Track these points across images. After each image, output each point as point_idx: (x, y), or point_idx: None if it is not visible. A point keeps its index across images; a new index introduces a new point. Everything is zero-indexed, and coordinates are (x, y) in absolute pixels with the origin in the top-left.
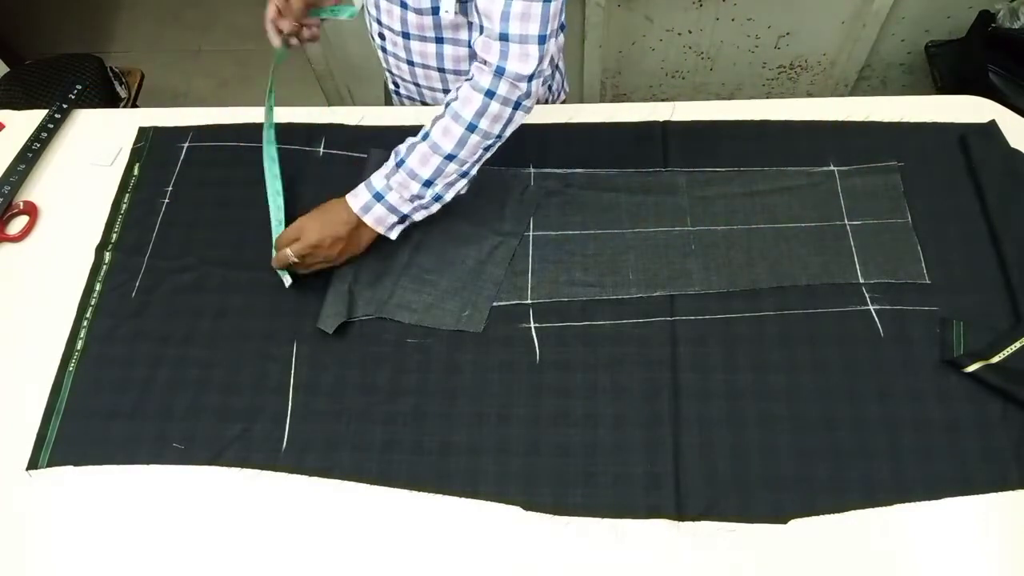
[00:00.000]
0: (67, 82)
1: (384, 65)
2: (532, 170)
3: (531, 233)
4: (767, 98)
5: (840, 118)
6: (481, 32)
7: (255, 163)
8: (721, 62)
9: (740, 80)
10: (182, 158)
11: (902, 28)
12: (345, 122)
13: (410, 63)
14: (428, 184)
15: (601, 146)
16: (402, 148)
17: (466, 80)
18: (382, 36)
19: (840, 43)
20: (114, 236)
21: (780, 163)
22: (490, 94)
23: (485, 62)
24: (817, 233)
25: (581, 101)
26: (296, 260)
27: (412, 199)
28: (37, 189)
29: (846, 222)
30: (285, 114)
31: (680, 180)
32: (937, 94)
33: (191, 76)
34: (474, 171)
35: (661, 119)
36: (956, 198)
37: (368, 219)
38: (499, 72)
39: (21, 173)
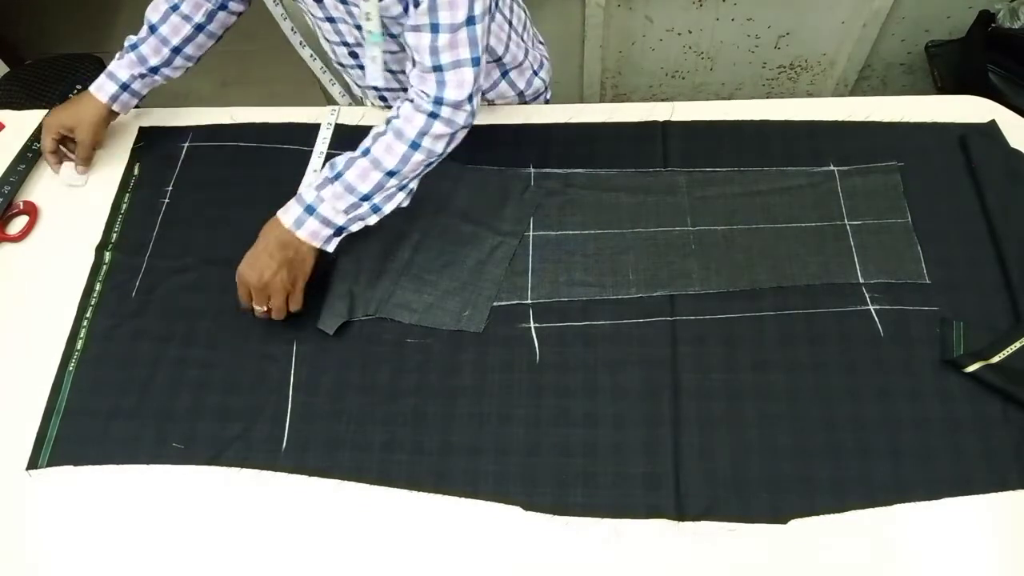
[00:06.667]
0: (67, 82)
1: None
2: (532, 170)
3: (531, 233)
4: (767, 98)
5: (840, 118)
6: (414, 65)
7: (255, 163)
8: (721, 62)
9: (740, 80)
10: (182, 158)
11: (902, 28)
12: (345, 122)
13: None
14: (366, 198)
15: (601, 146)
16: (339, 161)
17: (407, 100)
18: (383, 98)
19: (840, 43)
20: (114, 236)
21: (780, 163)
22: (433, 115)
23: (423, 92)
24: (817, 233)
25: (581, 101)
26: (260, 309)
27: (347, 210)
28: (37, 189)
29: (846, 222)
30: (285, 114)
31: (680, 180)
32: (937, 94)
33: (191, 76)
34: (414, 185)
35: (661, 119)
36: (956, 198)
37: (302, 233)
38: (439, 101)
39: (21, 173)
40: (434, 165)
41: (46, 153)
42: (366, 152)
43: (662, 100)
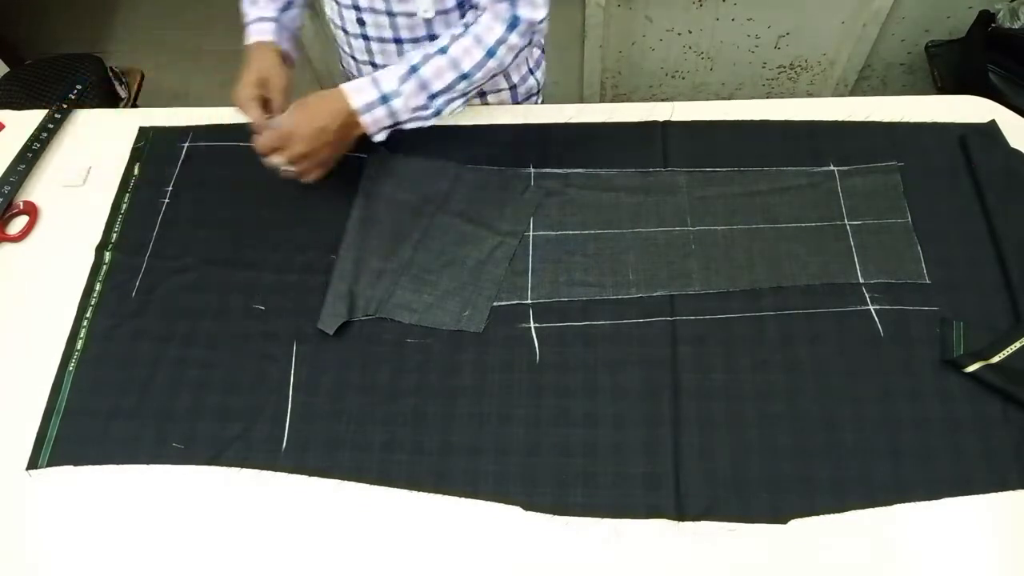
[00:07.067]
0: (67, 82)
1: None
2: (532, 170)
3: (531, 233)
4: (767, 98)
5: (840, 118)
6: None
7: (255, 163)
8: (721, 62)
9: (740, 80)
10: (182, 158)
11: (902, 28)
12: None
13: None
14: (434, 97)
15: (601, 146)
16: (414, 56)
17: (484, 12)
18: (370, 52)
19: (840, 43)
20: (114, 236)
21: (780, 163)
22: (512, 27)
23: (499, 11)
24: (817, 233)
25: (581, 101)
26: (284, 166)
27: (415, 108)
28: (37, 189)
29: (846, 222)
30: None
31: (680, 180)
32: (937, 94)
33: (191, 76)
34: (472, 95)
35: (661, 119)
36: (956, 198)
37: (367, 118)
38: (516, 18)
39: (21, 173)
40: (492, 80)
41: (254, 124)
42: (443, 50)
43: (662, 100)
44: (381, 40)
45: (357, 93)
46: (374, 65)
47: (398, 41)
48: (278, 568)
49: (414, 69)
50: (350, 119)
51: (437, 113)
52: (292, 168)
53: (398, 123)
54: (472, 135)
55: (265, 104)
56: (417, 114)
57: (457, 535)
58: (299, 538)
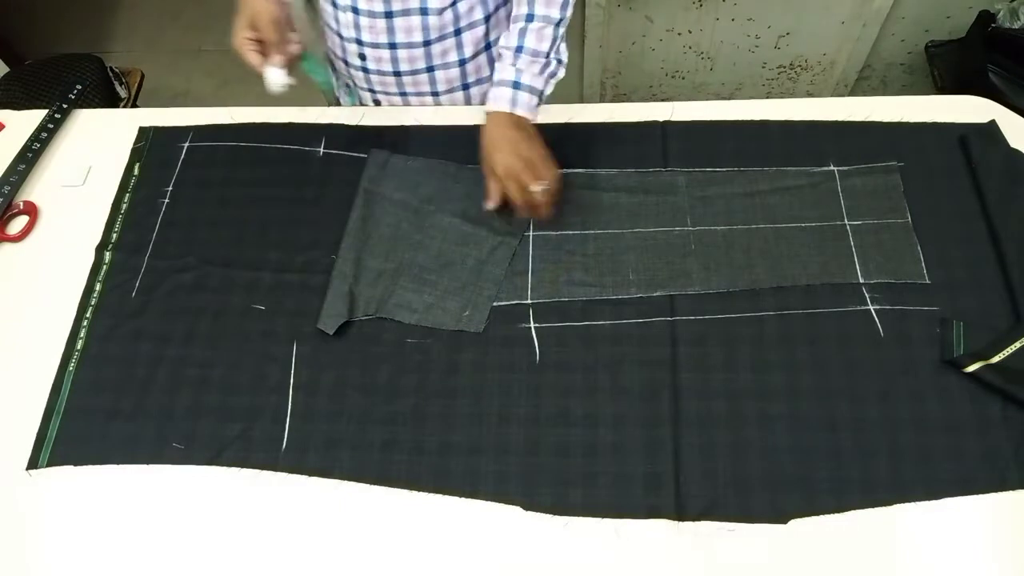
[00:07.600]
0: (67, 82)
1: (364, 85)
2: None
3: (531, 233)
4: (767, 98)
5: (840, 118)
6: None
7: (255, 163)
8: (721, 62)
9: (740, 80)
10: (182, 158)
11: (902, 28)
12: (345, 122)
13: (397, 74)
14: (547, 54)
15: (601, 146)
16: (510, 39)
17: None
18: (363, 57)
19: (840, 43)
20: (114, 236)
21: (780, 163)
22: None
23: None
24: (817, 233)
25: (581, 101)
26: (539, 186)
27: (541, 71)
28: (37, 189)
29: (846, 222)
30: (285, 114)
31: (680, 180)
32: (937, 94)
33: (191, 76)
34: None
35: (661, 119)
36: (956, 198)
37: (520, 110)
38: None
39: (21, 173)
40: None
41: (256, 64)
42: (530, 17)
43: (662, 100)
44: (372, 15)
45: (497, 100)
46: (360, 43)
47: (388, 15)
48: (278, 568)
49: (520, 50)
50: (514, 120)
51: (560, 62)
52: (540, 186)
53: (541, 92)
54: (472, 135)
55: (261, 45)
56: (547, 74)
57: (457, 535)
58: (299, 538)
